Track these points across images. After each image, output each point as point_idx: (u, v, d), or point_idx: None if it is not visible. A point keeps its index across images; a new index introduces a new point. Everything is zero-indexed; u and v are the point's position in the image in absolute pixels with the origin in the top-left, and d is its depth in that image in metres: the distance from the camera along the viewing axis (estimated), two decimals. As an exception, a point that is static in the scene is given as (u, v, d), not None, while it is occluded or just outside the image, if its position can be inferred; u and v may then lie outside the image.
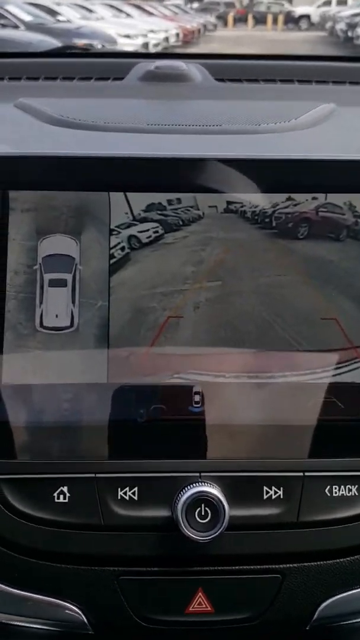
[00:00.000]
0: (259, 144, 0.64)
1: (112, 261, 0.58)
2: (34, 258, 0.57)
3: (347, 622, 0.58)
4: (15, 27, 8.12)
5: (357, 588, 0.57)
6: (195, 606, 0.55)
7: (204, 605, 0.55)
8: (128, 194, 0.58)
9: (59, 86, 0.98)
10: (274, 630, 0.57)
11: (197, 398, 0.56)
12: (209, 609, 0.55)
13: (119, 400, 0.56)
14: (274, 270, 0.58)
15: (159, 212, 0.58)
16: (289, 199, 0.59)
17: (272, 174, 0.59)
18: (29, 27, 8.08)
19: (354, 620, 0.58)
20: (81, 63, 1.09)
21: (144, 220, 0.58)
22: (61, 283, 0.57)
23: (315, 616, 0.56)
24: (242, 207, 0.59)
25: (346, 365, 0.57)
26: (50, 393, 0.56)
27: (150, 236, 0.59)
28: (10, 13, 8.38)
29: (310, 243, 0.59)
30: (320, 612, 0.56)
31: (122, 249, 0.58)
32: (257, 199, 0.58)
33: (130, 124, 0.67)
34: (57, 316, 0.57)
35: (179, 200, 0.59)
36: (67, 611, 0.55)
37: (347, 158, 0.59)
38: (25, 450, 0.55)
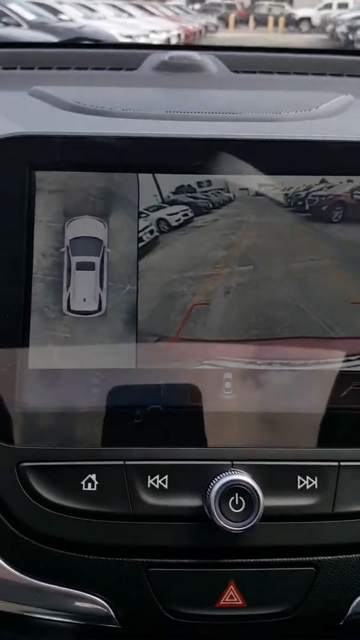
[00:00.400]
0: (283, 130, 0.62)
1: (140, 244, 0.56)
2: (61, 240, 0.56)
3: None
4: (18, 25, 8.10)
5: None
6: (226, 600, 0.54)
7: (235, 599, 0.54)
8: (157, 175, 0.57)
9: (72, 75, 0.98)
10: (307, 625, 0.55)
11: (227, 385, 0.55)
12: (240, 602, 0.54)
13: (148, 387, 0.54)
14: (307, 254, 0.57)
15: (189, 194, 0.57)
16: (322, 181, 0.58)
17: (303, 156, 0.58)
18: (32, 25, 8.07)
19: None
20: (94, 53, 1.08)
21: (173, 202, 0.57)
22: (89, 266, 0.56)
23: (350, 611, 0.55)
24: (273, 190, 0.57)
25: None
26: (77, 378, 0.54)
27: (179, 219, 0.57)
28: (13, 12, 8.36)
29: (345, 227, 0.57)
30: (355, 607, 0.55)
31: (151, 232, 0.56)
32: (289, 182, 0.57)
33: (149, 111, 0.66)
34: (84, 300, 0.55)
35: (209, 183, 0.57)
36: (93, 604, 0.54)
37: None
38: (51, 437, 0.53)
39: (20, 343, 0.54)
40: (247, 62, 1.04)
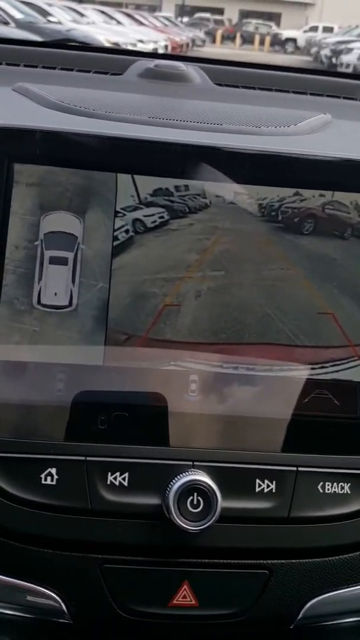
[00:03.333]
0: (262, 143, 0.64)
1: (115, 243, 0.57)
2: (35, 233, 0.56)
3: (331, 623, 0.57)
4: (6, 23, 8.07)
5: (344, 588, 0.56)
6: (179, 599, 0.54)
7: (188, 599, 0.54)
8: (136, 176, 0.57)
9: (57, 75, 0.98)
10: (259, 627, 0.56)
11: (193, 386, 0.56)
12: (194, 602, 0.54)
13: (114, 384, 0.55)
14: (277, 263, 0.58)
15: (166, 197, 0.58)
16: (296, 194, 0.59)
17: (281, 169, 0.59)
18: (19, 25, 8.04)
19: (339, 621, 0.58)
20: (80, 55, 1.09)
21: (150, 204, 0.58)
22: (62, 261, 0.56)
23: (301, 615, 0.56)
24: (249, 199, 0.59)
25: (343, 363, 0.58)
26: (43, 372, 0.54)
27: (155, 221, 0.58)
28: (1, 9, 8.32)
29: (315, 239, 0.59)
30: (306, 611, 0.56)
31: (127, 231, 0.57)
32: (264, 192, 0.58)
33: (132, 116, 0.67)
34: (55, 294, 0.55)
35: (186, 187, 0.58)
36: (46, 598, 0.53)
37: (355, 158, 0.60)
38: (13, 429, 0.53)
39: None
40: (230, 75, 1.05)
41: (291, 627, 0.56)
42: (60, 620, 0.54)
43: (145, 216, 0.58)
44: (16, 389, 0.54)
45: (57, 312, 0.55)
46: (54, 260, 0.56)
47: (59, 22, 9.57)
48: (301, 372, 0.57)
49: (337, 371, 0.57)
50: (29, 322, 0.55)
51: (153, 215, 0.58)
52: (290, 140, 0.67)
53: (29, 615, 0.55)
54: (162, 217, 0.58)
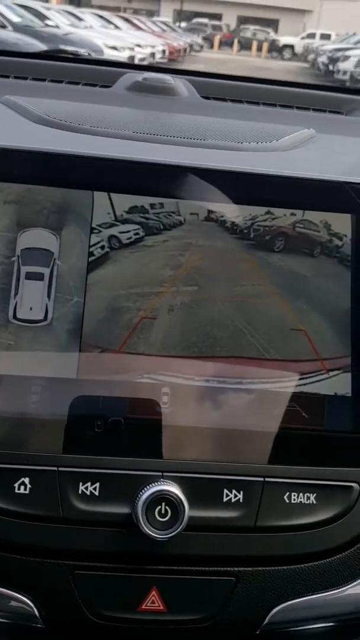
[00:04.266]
0: (241, 160, 0.66)
1: (91, 259, 0.58)
2: (12, 250, 0.57)
3: (295, 629, 0.59)
4: (3, 26, 8.09)
5: (308, 595, 0.58)
6: (148, 604, 0.56)
7: (156, 604, 0.56)
8: (112, 194, 0.59)
9: (46, 87, 0.99)
10: (226, 632, 0.57)
11: (164, 399, 0.57)
12: (162, 608, 0.56)
13: (87, 397, 0.56)
14: (249, 279, 0.60)
15: (141, 214, 0.60)
16: (267, 212, 0.61)
17: (252, 188, 0.61)
18: (17, 28, 8.07)
19: (303, 627, 0.59)
20: (70, 67, 1.10)
21: (125, 221, 0.59)
22: (38, 277, 0.58)
23: (267, 621, 0.57)
24: (222, 217, 0.61)
25: (311, 376, 0.59)
26: (18, 385, 0.56)
27: (130, 237, 0.60)
28: (-1, 12, 8.35)
29: (286, 256, 0.61)
30: (272, 617, 0.57)
31: (102, 247, 0.59)
32: (236, 211, 0.60)
33: (116, 130, 0.68)
34: (31, 309, 0.57)
35: (161, 205, 0.60)
36: (18, 603, 0.55)
37: (325, 178, 0.62)
38: None
39: None
40: (218, 89, 1.07)
41: (257, 632, 0.57)
42: (33, 625, 0.55)
43: (120, 232, 0.59)
44: None
45: (32, 327, 0.57)
46: (30, 276, 0.57)
47: (57, 26, 9.60)
48: (270, 385, 0.58)
49: (305, 384, 0.59)
50: (4, 336, 0.56)
51: (129, 231, 0.60)
52: (269, 157, 0.68)
53: (1, 620, 0.56)
54: (137, 234, 0.60)
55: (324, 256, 0.61)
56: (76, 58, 1.25)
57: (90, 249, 0.58)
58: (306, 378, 0.59)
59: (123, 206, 0.59)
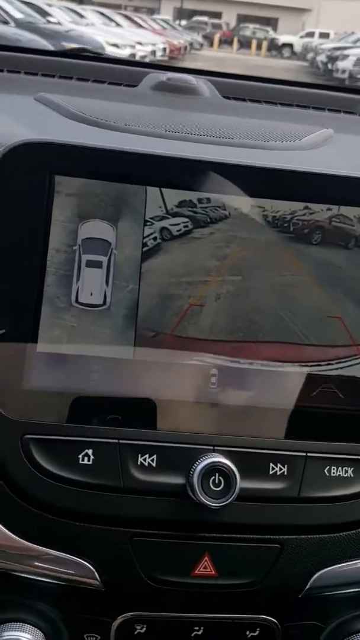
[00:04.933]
0: (272, 158, 0.70)
1: (144, 249, 0.63)
2: (74, 239, 0.62)
3: (335, 593, 0.64)
4: (5, 22, 8.09)
5: (346, 561, 0.62)
6: (200, 569, 0.60)
7: (208, 569, 0.60)
8: (163, 189, 0.64)
9: (74, 85, 1.02)
10: (271, 596, 0.62)
11: (213, 379, 0.62)
12: (213, 572, 0.60)
13: (143, 376, 0.61)
14: (289, 270, 0.65)
15: (190, 208, 0.64)
16: (305, 207, 0.65)
17: (292, 184, 0.65)
18: (19, 24, 8.07)
19: (342, 591, 0.64)
20: (95, 66, 1.13)
21: (176, 214, 0.64)
22: (97, 264, 0.62)
23: (308, 585, 0.61)
24: (263, 211, 0.65)
25: (347, 360, 0.64)
26: (80, 363, 0.60)
27: (180, 230, 0.64)
28: (1, 8, 8.35)
29: (323, 249, 0.65)
30: (313, 582, 0.61)
31: (154, 238, 0.63)
32: (277, 206, 0.65)
33: (150, 129, 0.72)
34: (91, 294, 0.61)
35: (208, 200, 0.65)
36: (80, 568, 0.59)
37: (358, 176, 0.66)
38: (54, 414, 0.59)
39: (31, 328, 0.59)
40: (237, 89, 1.11)
41: (300, 596, 0.62)
42: (94, 588, 0.60)
43: (171, 225, 0.64)
44: (56, 378, 0.59)
45: (92, 310, 0.61)
46: (90, 264, 0.62)
47: (59, 23, 9.61)
48: (309, 368, 0.63)
49: (341, 368, 0.64)
50: (68, 319, 0.61)
51: (179, 224, 0.64)
52: (296, 155, 0.73)
53: (65, 584, 0.60)
54: (186, 227, 0.64)
55: (358, 248, 0.66)
56: (99, 57, 1.29)
57: (144, 240, 0.63)
58: (342, 362, 0.64)
59: (173, 200, 0.64)
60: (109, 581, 0.59)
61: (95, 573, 0.59)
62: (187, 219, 0.64)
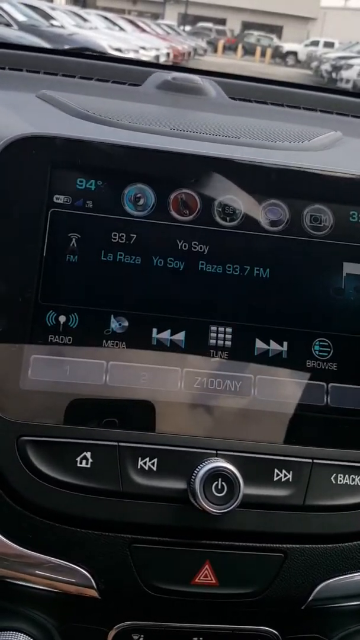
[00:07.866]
0: (279, 158, 0.68)
1: None
2: None
3: (339, 605, 0.61)
4: (8, 25, 8.10)
5: (352, 573, 0.60)
6: (201, 578, 0.58)
7: (209, 578, 0.58)
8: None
9: (77, 83, 1.01)
10: (273, 607, 0.60)
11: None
12: (214, 581, 0.58)
13: (143, 380, 0.59)
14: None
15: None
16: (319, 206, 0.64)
17: (301, 183, 0.64)
18: (22, 27, 8.07)
19: (347, 604, 0.61)
20: (99, 65, 1.11)
21: None
22: None
23: (312, 597, 0.59)
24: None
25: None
26: (79, 366, 0.58)
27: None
28: (4, 11, 8.35)
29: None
30: (317, 594, 0.59)
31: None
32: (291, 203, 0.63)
33: (153, 127, 0.70)
34: None
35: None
36: (77, 574, 0.57)
37: None
38: (51, 415, 0.57)
39: (29, 329, 0.57)
40: (243, 90, 1.09)
41: (302, 607, 0.60)
42: (90, 596, 0.57)
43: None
44: (54, 379, 0.57)
45: None
46: None
47: (62, 26, 9.62)
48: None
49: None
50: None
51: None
52: (304, 156, 0.71)
53: (60, 591, 0.58)
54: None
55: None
56: (103, 56, 1.27)
57: None
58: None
59: None
60: (107, 589, 0.57)
61: (92, 581, 0.57)
62: None
